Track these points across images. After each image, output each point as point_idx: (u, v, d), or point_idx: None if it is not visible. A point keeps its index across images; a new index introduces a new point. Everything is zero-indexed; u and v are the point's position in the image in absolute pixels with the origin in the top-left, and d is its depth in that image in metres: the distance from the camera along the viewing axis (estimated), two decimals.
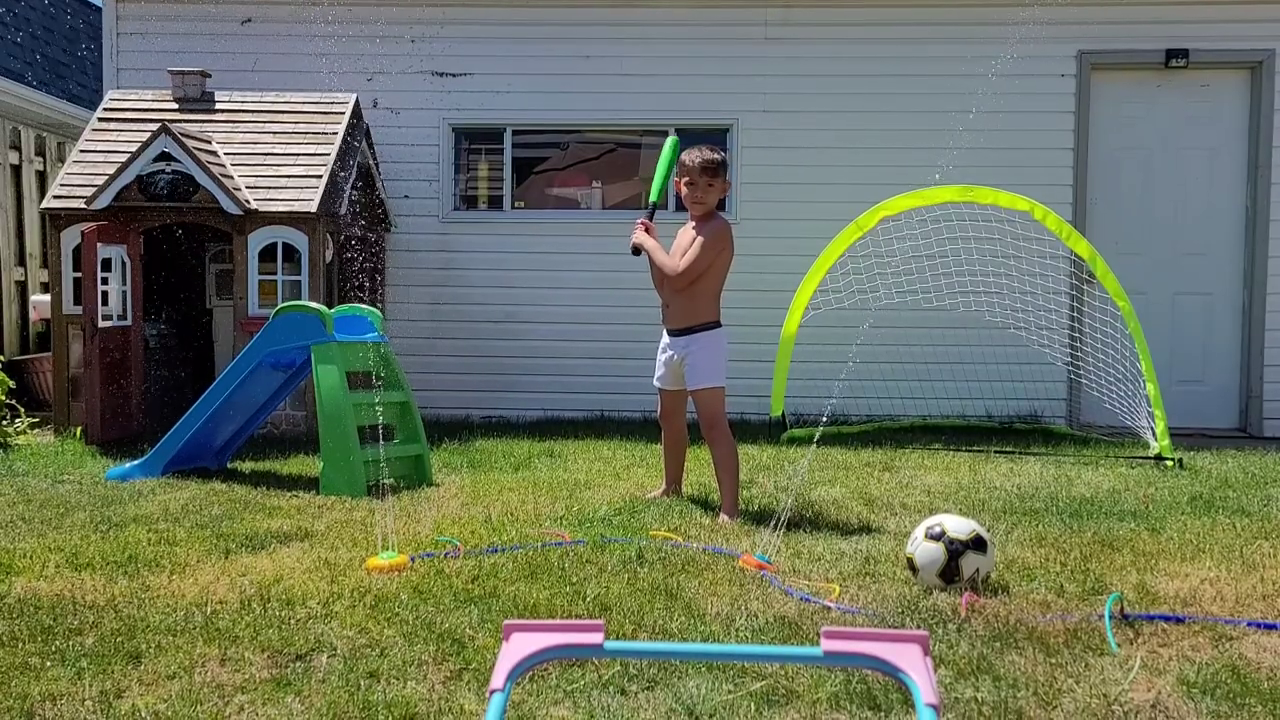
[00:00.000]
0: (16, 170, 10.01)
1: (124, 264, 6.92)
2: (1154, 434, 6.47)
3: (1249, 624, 3.13)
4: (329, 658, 2.85)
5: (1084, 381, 7.60)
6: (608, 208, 8.81)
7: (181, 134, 6.95)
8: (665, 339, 4.91)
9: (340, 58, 7.91)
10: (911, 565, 3.51)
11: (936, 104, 7.99)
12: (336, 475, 5.19)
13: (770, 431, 7.23)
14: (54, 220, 7.14)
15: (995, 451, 6.68)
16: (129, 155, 6.96)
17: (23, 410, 7.43)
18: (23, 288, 10.00)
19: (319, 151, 7.44)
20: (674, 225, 5.10)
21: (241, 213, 6.96)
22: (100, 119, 7.74)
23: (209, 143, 7.36)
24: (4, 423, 6.98)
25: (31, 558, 3.85)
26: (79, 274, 6.89)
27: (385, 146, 8.34)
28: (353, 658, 2.84)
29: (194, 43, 8.37)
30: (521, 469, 5.95)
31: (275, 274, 7.11)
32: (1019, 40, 7.41)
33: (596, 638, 1.47)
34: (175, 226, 7.54)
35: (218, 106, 7.82)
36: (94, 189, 6.96)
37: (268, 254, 7.11)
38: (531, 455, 6.36)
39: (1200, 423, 8.13)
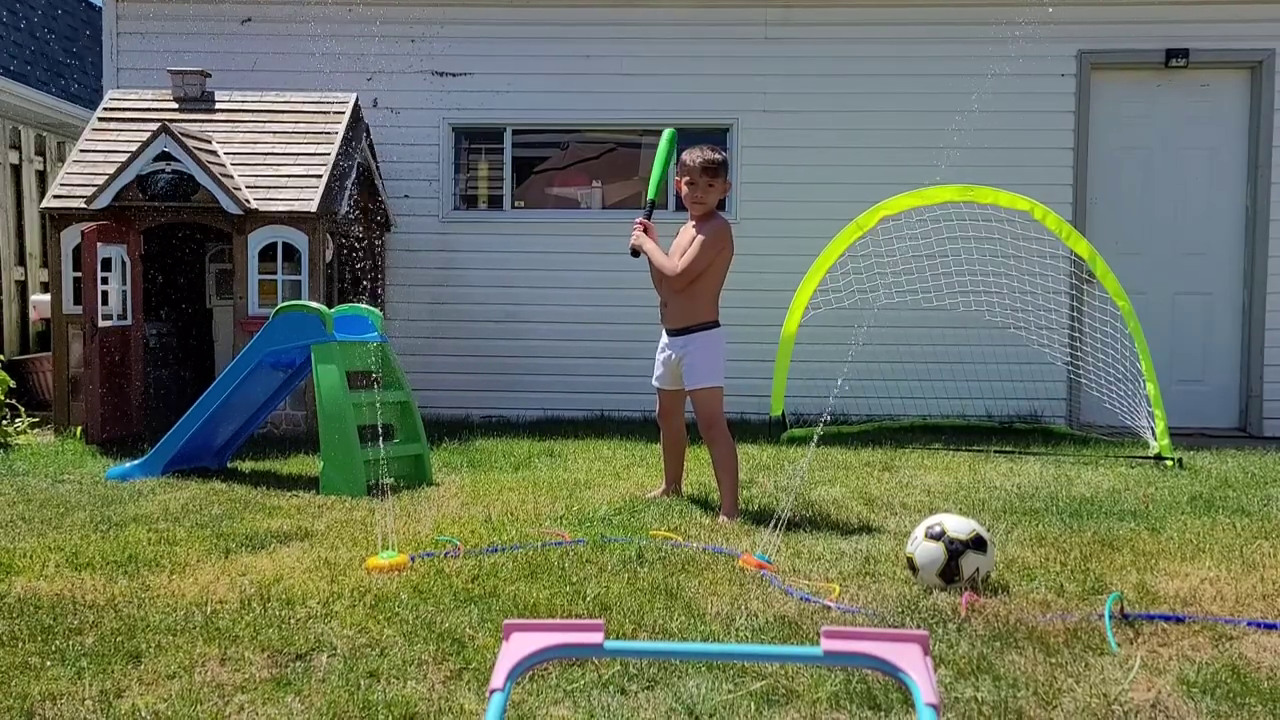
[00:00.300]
0: (16, 170, 10.01)
1: (124, 264, 6.92)
2: (1154, 434, 6.47)
3: (1249, 624, 3.13)
4: (329, 657, 2.85)
5: (1084, 381, 7.60)
6: (608, 207, 8.81)
7: (181, 134, 6.95)
8: (664, 339, 4.91)
9: (340, 58, 7.91)
10: (911, 565, 3.51)
11: (936, 104, 7.99)
12: (336, 475, 5.19)
13: (770, 431, 7.23)
14: (54, 220, 7.15)
15: (995, 451, 6.68)
16: (129, 155, 6.96)
17: (23, 410, 7.43)
18: (23, 287, 10.00)
19: (319, 151, 7.44)
20: (674, 224, 5.10)
21: (241, 212, 6.96)
22: (100, 119, 7.74)
23: (209, 142, 7.36)
24: (4, 422, 6.98)
25: (31, 557, 3.85)
26: (79, 274, 6.89)
27: (385, 146, 8.34)
28: (353, 657, 2.84)
29: (194, 43, 8.37)
30: (521, 469, 5.95)
31: (275, 274, 7.11)
32: (1019, 40, 7.41)
33: (596, 637, 1.47)
34: (175, 226, 7.53)
35: (218, 106, 7.82)
36: (94, 189, 6.96)
37: (268, 254, 7.11)
38: (531, 455, 6.36)
39: (1200, 422, 8.13)
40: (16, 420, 7.26)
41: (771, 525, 4.04)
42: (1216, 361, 8.42)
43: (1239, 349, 8.38)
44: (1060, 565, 3.79)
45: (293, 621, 3.11)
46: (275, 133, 7.61)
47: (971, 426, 7.77)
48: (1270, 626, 3.11)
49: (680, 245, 4.80)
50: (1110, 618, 3.08)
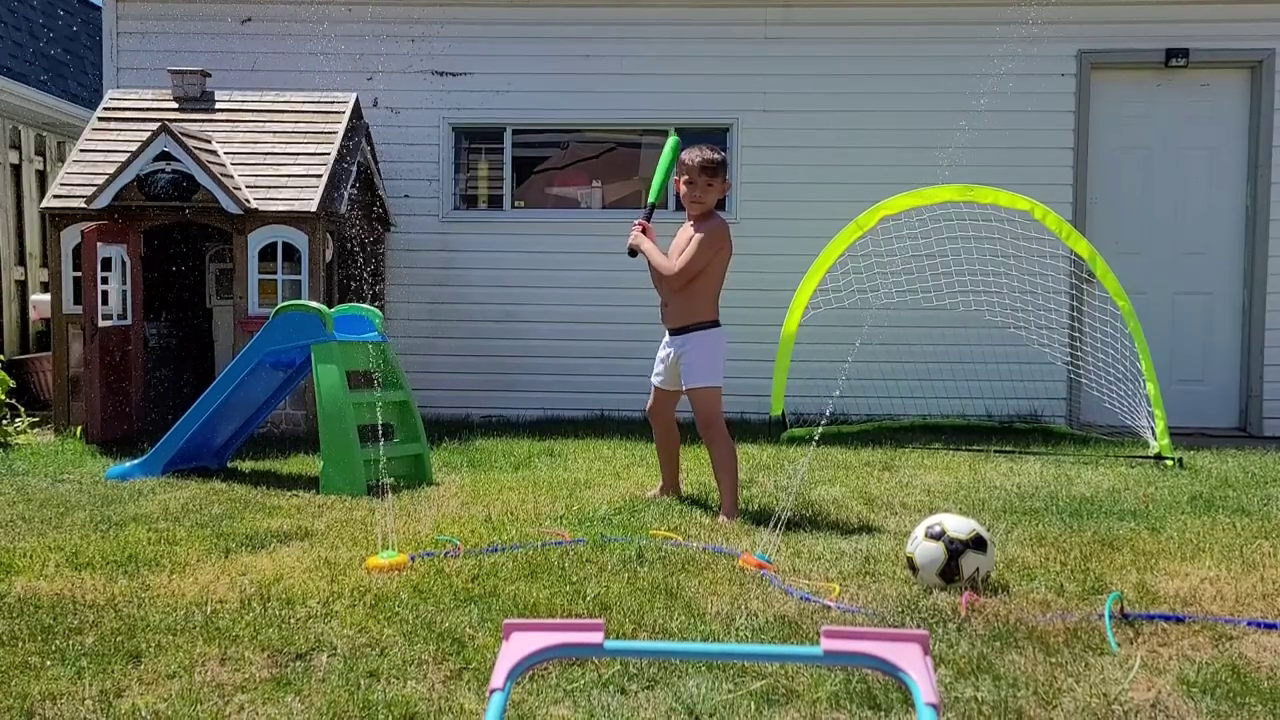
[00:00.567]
0: (16, 170, 10.01)
1: (124, 263, 6.92)
2: (1154, 433, 6.47)
3: (1249, 623, 3.13)
4: (329, 657, 2.85)
5: (1084, 381, 7.60)
6: (607, 207, 8.81)
7: (181, 133, 6.95)
8: (665, 338, 4.92)
9: (340, 58, 7.91)
10: (911, 564, 3.51)
11: (936, 104, 8.00)
12: (336, 474, 5.19)
13: (770, 431, 7.23)
14: (54, 220, 7.15)
15: (995, 451, 6.68)
16: (129, 155, 6.96)
17: (23, 410, 7.43)
18: (23, 287, 10.00)
19: (319, 151, 7.44)
20: (674, 225, 5.10)
21: (241, 212, 6.96)
22: (100, 119, 7.74)
23: (209, 142, 7.36)
24: (4, 422, 6.98)
25: (31, 557, 3.85)
26: (79, 273, 6.89)
27: (385, 146, 8.34)
28: (353, 657, 2.84)
29: (194, 43, 8.37)
30: (521, 468, 5.95)
31: (275, 273, 7.11)
32: (1019, 40, 7.41)
33: (596, 637, 1.47)
34: (175, 226, 7.53)
35: (218, 106, 7.82)
36: (94, 188, 6.96)
37: (268, 253, 7.11)
38: (531, 454, 6.36)
39: (1200, 422, 8.13)
40: (16, 420, 7.26)
41: (771, 525, 4.04)
42: (1216, 361, 8.42)
43: (1239, 349, 8.38)
44: (1060, 565, 3.79)
45: (293, 621, 3.11)
46: (275, 133, 7.61)
47: (971, 426, 7.77)
48: (1270, 626, 3.11)
49: (679, 245, 4.80)
50: (1110, 617, 3.08)
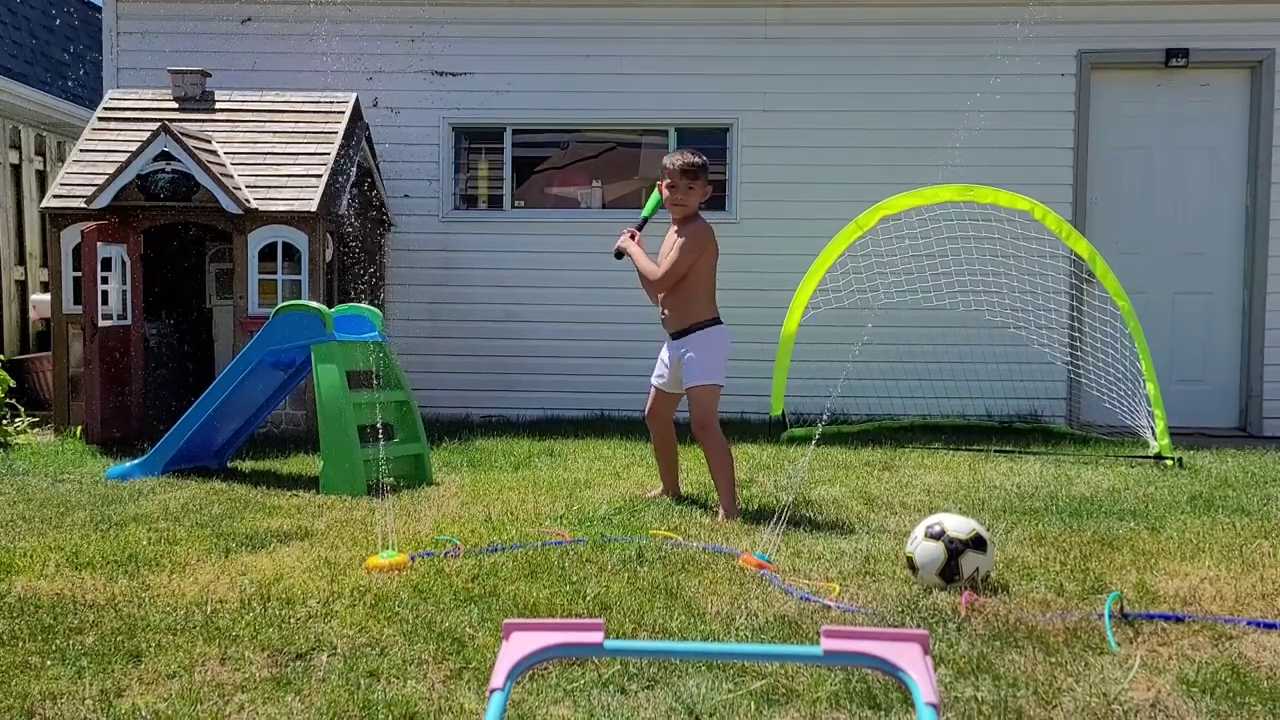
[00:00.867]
0: (16, 170, 10.01)
1: (124, 263, 6.92)
2: (1154, 433, 6.47)
3: (1249, 623, 3.13)
4: (329, 657, 2.85)
5: (1084, 381, 7.60)
6: (607, 207, 8.81)
7: (181, 133, 6.95)
8: (667, 345, 4.92)
9: (340, 57, 7.91)
10: (911, 564, 3.51)
11: (936, 104, 7.99)
12: (336, 474, 5.19)
13: (770, 431, 7.23)
14: (54, 220, 7.15)
15: (995, 451, 6.68)
16: (129, 155, 6.96)
17: (23, 409, 7.44)
18: (23, 287, 10.00)
19: (319, 151, 7.44)
20: (665, 226, 5.08)
21: (241, 212, 6.96)
22: (100, 119, 7.74)
23: (209, 142, 7.36)
24: (4, 422, 6.98)
25: (32, 557, 3.85)
26: (79, 273, 6.89)
27: (385, 146, 8.34)
28: (353, 657, 2.84)
29: (194, 42, 8.37)
30: (521, 468, 5.95)
31: (275, 273, 7.11)
32: (1019, 40, 7.41)
33: (596, 637, 1.47)
34: (175, 226, 7.54)
35: (218, 106, 7.83)
36: (94, 188, 6.96)
37: (268, 253, 7.11)
38: (531, 454, 6.36)
39: (1200, 422, 8.13)
40: (16, 420, 7.26)
41: (771, 525, 4.04)
42: (1216, 361, 8.42)
43: (1239, 349, 8.38)
44: (1060, 565, 3.79)
45: (293, 621, 3.11)
46: (275, 133, 7.61)
47: (971, 426, 7.77)
48: (1270, 626, 3.11)
49: (665, 251, 4.83)
50: (1110, 617, 3.08)
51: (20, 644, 2.94)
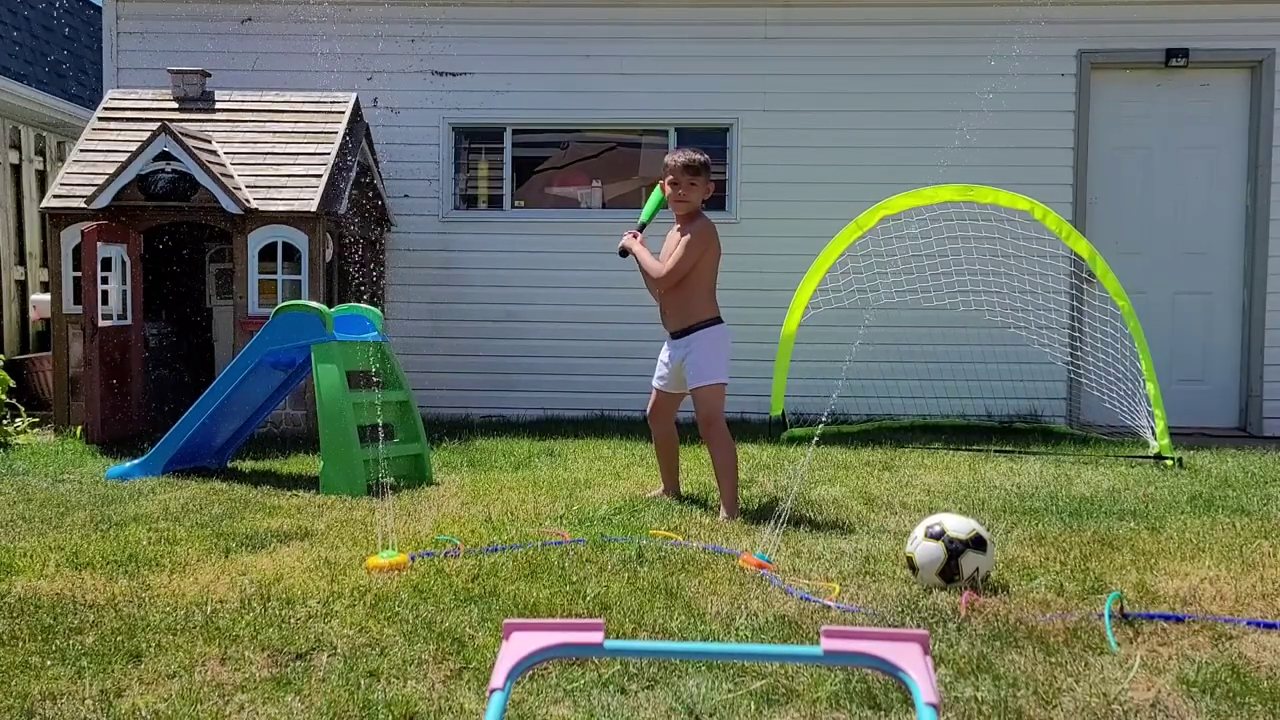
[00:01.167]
0: (16, 170, 10.01)
1: (124, 263, 6.92)
2: (1154, 433, 6.47)
3: (1249, 623, 3.13)
4: (329, 657, 2.85)
5: (1084, 381, 7.61)
6: (607, 207, 8.81)
7: (181, 133, 6.95)
8: (667, 343, 4.91)
9: (340, 57, 7.91)
10: (911, 564, 3.51)
11: (936, 104, 8.00)
12: (336, 474, 5.19)
13: (770, 431, 7.23)
14: (54, 220, 7.15)
15: (995, 451, 6.68)
16: (129, 155, 6.96)
17: (23, 409, 7.43)
18: (23, 287, 10.00)
19: (319, 151, 7.44)
20: (667, 225, 5.08)
21: (241, 212, 6.96)
22: (100, 118, 7.74)
23: (209, 142, 7.36)
24: (4, 422, 6.98)
25: (32, 557, 3.85)
26: (79, 273, 6.89)
27: (385, 146, 8.34)
28: (353, 657, 2.84)
29: (194, 42, 8.37)
30: (521, 468, 5.95)
31: (275, 273, 7.11)
32: (1019, 40, 7.41)
33: (596, 637, 1.47)
34: (175, 226, 7.53)
35: (218, 106, 7.83)
36: (94, 188, 6.96)
37: (268, 253, 7.11)
38: (531, 454, 6.36)
39: (1200, 422, 8.13)
40: (16, 420, 7.26)
41: (771, 525, 4.04)
42: (1216, 361, 8.42)
43: (1239, 349, 8.38)
44: (1060, 565, 3.79)
45: (293, 621, 3.11)
46: (275, 132, 7.61)
47: (971, 426, 7.77)
48: (1270, 626, 3.11)
49: (668, 249, 4.83)
50: (1110, 617, 3.08)
51: (20, 644, 2.94)
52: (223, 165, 7.24)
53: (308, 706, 2.55)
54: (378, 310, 5.85)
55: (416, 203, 8.55)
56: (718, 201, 8.20)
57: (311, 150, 7.45)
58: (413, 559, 3.77)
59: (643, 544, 3.97)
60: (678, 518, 4.54)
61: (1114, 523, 4.52)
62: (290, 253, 7.10)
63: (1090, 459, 6.45)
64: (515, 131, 8.65)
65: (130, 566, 3.73)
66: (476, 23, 8.49)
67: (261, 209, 7.06)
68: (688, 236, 4.73)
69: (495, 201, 8.79)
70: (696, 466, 5.50)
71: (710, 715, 2.49)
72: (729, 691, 2.59)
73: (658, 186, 4.99)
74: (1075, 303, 8.05)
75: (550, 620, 1.52)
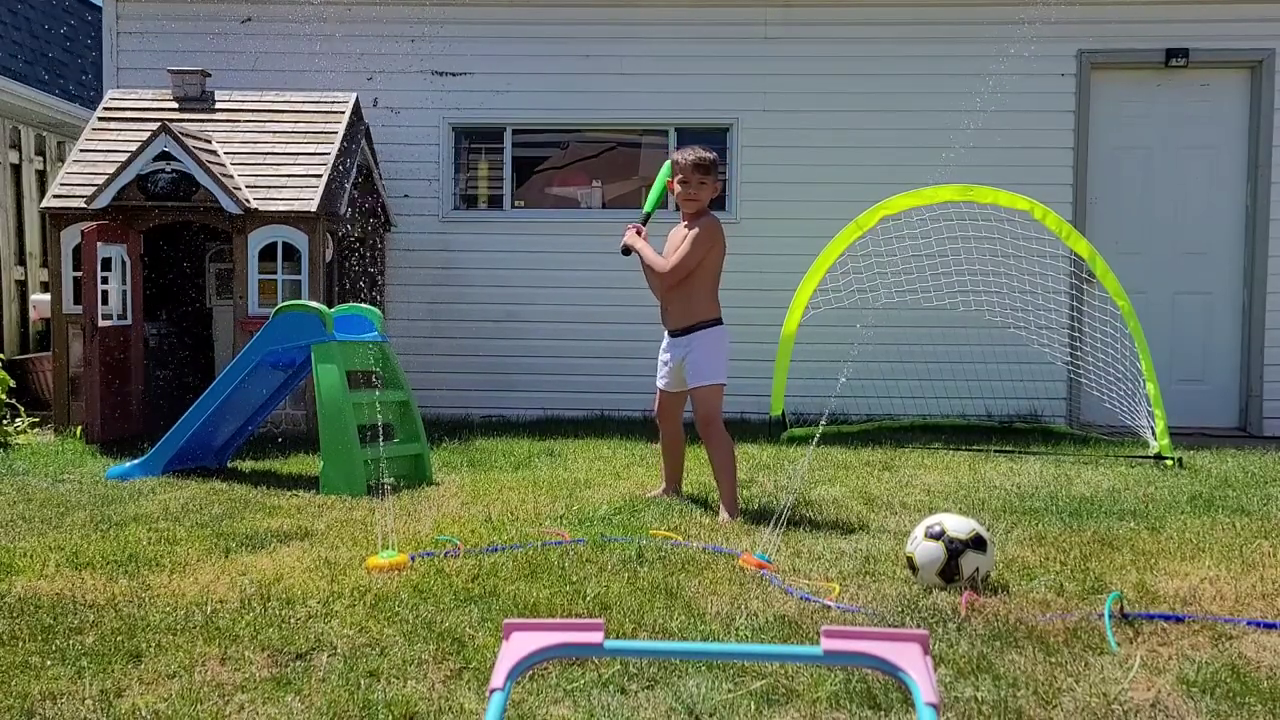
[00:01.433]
0: (16, 170, 10.01)
1: (124, 263, 6.92)
2: (1154, 433, 6.47)
3: (1249, 623, 3.13)
4: (329, 657, 2.85)
5: (1084, 381, 7.61)
6: (607, 207, 8.81)
7: (181, 133, 6.95)
8: (666, 341, 4.91)
9: (340, 57, 7.91)
10: (911, 564, 3.51)
11: (936, 104, 8.00)
12: (336, 474, 5.19)
13: (770, 431, 7.23)
14: (54, 220, 7.15)
15: (995, 451, 6.68)
16: (129, 155, 6.96)
17: (23, 409, 7.43)
18: (23, 287, 10.00)
19: (319, 151, 7.44)
20: (668, 225, 5.09)
21: (241, 212, 6.96)
22: (100, 118, 7.74)
23: (209, 142, 7.36)
24: (4, 422, 6.98)
25: (32, 557, 3.85)
26: (79, 273, 6.89)
27: (385, 146, 8.34)
28: (353, 657, 2.84)
29: (194, 42, 8.37)
30: (521, 468, 5.95)
31: (275, 273, 7.11)
32: (1019, 40, 7.41)
33: (596, 637, 1.47)
34: (175, 226, 7.53)
35: (218, 106, 7.83)
36: (94, 188, 6.96)
37: (268, 253, 7.11)
38: (531, 454, 6.36)
39: (1200, 422, 8.13)
40: (16, 420, 7.26)
41: (771, 525, 4.04)
42: (1216, 361, 8.42)
43: (1239, 349, 8.38)
44: (1060, 565, 3.79)
45: (293, 621, 3.11)
46: (275, 133, 7.61)
47: (971, 426, 7.77)
48: (1270, 626, 3.11)
49: (673, 245, 4.82)
50: (1110, 617, 3.08)
51: (20, 644, 2.93)
52: (223, 165, 7.24)
53: (308, 706, 2.55)
54: (378, 310, 5.85)
55: (416, 203, 8.55)
56: (718, 201, 8.18)
57: (311, 150, 7.45)
58: (413, 559, 3.77)
59: (643, 544, 3.97)
60: (678, 518, 4.54)
61: (1114, 523, 4.52)
62: (290, 253, 7.10)
63: (1090, 459, 6.45)
64: (515, 131, 8.65)
65: (130, 566, 3.73)
66: (476, 23, 8.49)
67: (261, 209, 7.06)
68: (694, 232, 4.72)
69: (495, 201, 8.79)
70: (696, 466, 5.50)
71: (710, 715, 2.49)
72: (729, 691, 2.59)
73: (665, 166, 4.95)
74: (1075, 303, 8.05)
75: (550, 620, 1.52)
